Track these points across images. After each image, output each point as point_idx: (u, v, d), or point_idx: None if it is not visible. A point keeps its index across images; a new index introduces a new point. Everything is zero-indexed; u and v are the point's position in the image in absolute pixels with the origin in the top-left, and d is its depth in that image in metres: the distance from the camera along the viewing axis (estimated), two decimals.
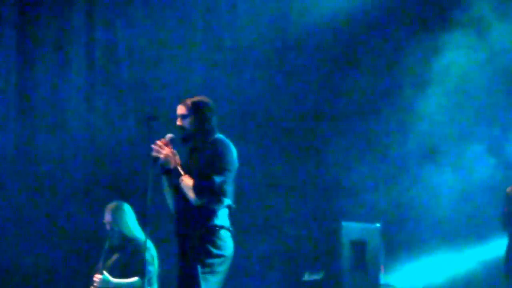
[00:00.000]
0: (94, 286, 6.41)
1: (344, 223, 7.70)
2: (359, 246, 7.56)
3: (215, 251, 5.19)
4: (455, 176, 8.22)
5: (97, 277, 6.39)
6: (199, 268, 5.13)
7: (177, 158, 5.28)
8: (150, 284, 6.36)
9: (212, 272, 5.18)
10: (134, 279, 6.37)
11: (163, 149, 5.29)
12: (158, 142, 5.32)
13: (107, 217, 6.62)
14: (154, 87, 8.77)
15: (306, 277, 7.93)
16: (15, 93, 8.93)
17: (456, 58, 8.21)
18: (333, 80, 8.55)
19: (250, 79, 8.58)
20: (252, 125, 8.56)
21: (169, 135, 5.32)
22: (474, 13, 8.20)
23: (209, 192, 5.15)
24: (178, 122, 5.38)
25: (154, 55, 8.83)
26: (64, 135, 8.91)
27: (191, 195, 5.16)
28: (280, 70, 8.60)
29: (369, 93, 8.45)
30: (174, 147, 5.34)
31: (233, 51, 8.67)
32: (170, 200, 5.39)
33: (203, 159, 5.23)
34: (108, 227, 6.62)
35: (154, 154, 5.31)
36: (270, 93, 8.57)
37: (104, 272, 6.40)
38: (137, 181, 8.18)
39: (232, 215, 5.36)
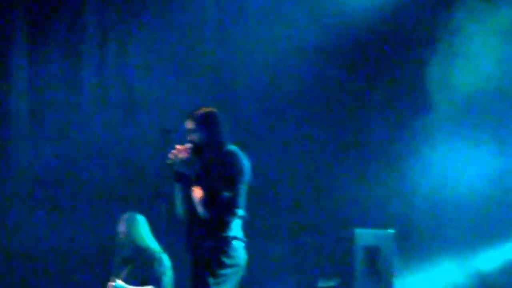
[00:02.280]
0: None
1: (357, 230, 7.68)
2: (372, 253, 7.55)
3: (227, 261, 5.18)
4: (475, 174, 8.12)
5: (110, 285, 6.38)
6: (211, 278, 5.13)
7: (193, 167, 5.25)
8: None
9: (224, 282, 5.16)
10: None
11: (181, 154, 5.25)
12: (178, 146, 5.28)
13: (121, 227, 6.63)
14: (167, 95, 8.74)
15: (321, 284, 7.91)
16: (26, 98, 8.90)
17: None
18: (354, 91, 8.50)
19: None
20: (265, 131, 8.53)
21: (189, 145, 5.28)
22: None
23: (217, 207, 5.14)
24: (188, 137, 5.35)
25: (167, 60, 8.78)
26: (74, 142, 8.88)
27: (199, 208, 5.16)
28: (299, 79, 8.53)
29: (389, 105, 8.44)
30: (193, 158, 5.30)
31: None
32: (181, 209, 5.37)
33: (214, 173, 5.20)
34: (121, 237, 6.62)
35: (171, 156, 5.27)
36: (286, 103, 8.50)
37: (117, 280, 6.39)
38: (151, 192, 8.06)
39: (245, 224, 5.34)
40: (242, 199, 5.25)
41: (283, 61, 8.48)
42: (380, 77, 8.43)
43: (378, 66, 8.44)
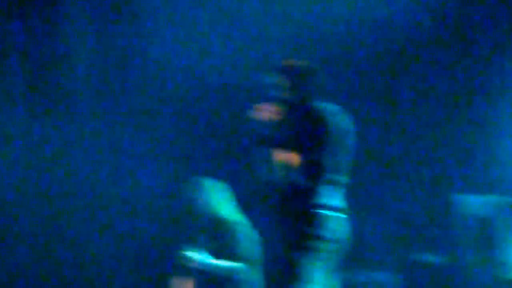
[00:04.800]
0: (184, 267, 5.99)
1: (464, 197, 7.33)
2: (482, 222, 7.22)
3: (317, 232, 4.70)
4: None
5: (188, 254, 5.96)
6: (296, 252, 4.69)
7: (279, 128, 4.86)
8: (249, 268, 5.92)
9: (311, 257, 4.68)
10: (234, 263, 5.91)
11: (263, 113, 4.84)
12: (261, 105, 4.87)
13: (194, 195, 6.16)
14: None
15: (421, 258, 7.48)
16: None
17: None
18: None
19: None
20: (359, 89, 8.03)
21: (273, 104, 4.89)
22: None
23: (302, 172, 4.70)
24: (271, 92, 4.92)
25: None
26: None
27: (283, 173, 4.78)
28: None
29: None
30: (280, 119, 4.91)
31: None
32: (264, 175, 4.93)
33: (299, 133, 4.79)
34: (193, 206, 6.15)
35: (252, 116, 4.86)
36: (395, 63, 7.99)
37: (196, 250, 5.98)
38: (230, 155, 7.72)
39: (343, 191, 4.86)
40: (330, 161, 4.74)
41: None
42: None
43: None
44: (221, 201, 6.15)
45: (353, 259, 6.20)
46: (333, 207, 4.76)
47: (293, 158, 4.69)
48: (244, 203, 6.07)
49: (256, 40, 8.04)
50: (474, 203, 7.25)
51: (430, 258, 7.45)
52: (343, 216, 4.80)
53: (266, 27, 8.08)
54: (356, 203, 7.04)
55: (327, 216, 4.72)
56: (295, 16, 8.03)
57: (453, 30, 7.91)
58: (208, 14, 8.25)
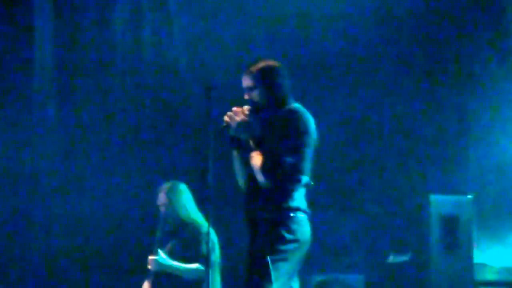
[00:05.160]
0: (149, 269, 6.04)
1: (432, 196, 7.20)
2: (449, 222, 7.11)
3: (288, 236, 4.60)
4: None
5: (151, 259, 5.98)
6: (270, 255, 4.56)
7: (252, 130, 4.72)
8: (213, 271, 5.87)
9: (284, 259, 4.59)
10: (195, 265, 5.93)
11: (237, 116, 4.70)
12: (234, 109, 4.73)
13: (162, 199, 6.18)
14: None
15: (392, 258, 7.45)
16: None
17: None
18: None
19: None
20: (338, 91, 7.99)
21: (246, 107, 4.73)
22: None
23: (278, 175, 4.58)
24: (246, 96, 4.78)
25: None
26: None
27: (259, 176, 4.61)
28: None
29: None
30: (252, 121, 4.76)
31: None
32: (240, 178, 4.84)
33: (275, 135, 4.65)
34: (162, 209, 6.18)
35: (225, 119, 4.72)
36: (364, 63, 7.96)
37: (160, 252, 5.96)
38: (196, 158, 7.60)
39: (310, 194, 4.77)
40: (306, 164, 4.66)
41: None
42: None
43: None
44: (187, 204, 6.14)
45: (325, 260, 6.28)
46: (302, 209, 4.69)
47: (264, 159, 4.60)
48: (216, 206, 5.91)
49: (239, 41, 8.00)
50: (446, 203, 7.19)
51: (402, 258, 7.43)
52: (309, 217, 4.71)
53: (253, 28, 8.04)
54: (329, 204, 7.13)
55: (297, 218, 4.65)
56: (286, 16, 8.01)
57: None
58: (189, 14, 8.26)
